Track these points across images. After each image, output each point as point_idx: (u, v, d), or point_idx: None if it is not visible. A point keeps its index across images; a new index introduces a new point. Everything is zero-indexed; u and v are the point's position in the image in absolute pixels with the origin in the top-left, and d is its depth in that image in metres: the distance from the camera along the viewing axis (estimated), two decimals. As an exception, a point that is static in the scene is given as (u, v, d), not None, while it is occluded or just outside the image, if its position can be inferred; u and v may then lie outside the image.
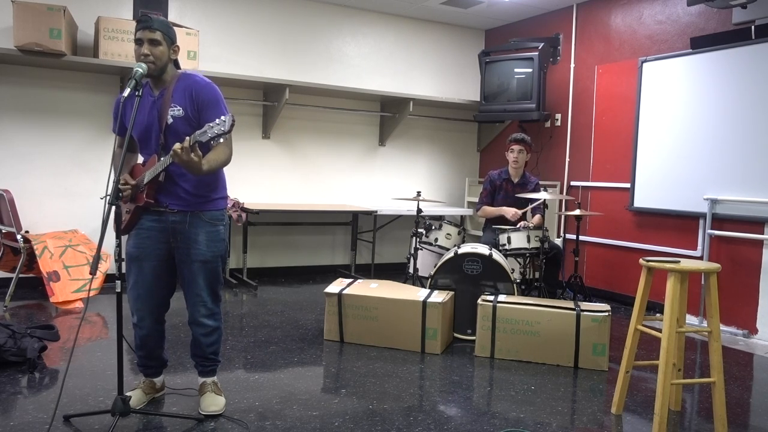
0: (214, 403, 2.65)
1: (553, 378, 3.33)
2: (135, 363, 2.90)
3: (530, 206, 4.67)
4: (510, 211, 4.69)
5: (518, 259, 4.68)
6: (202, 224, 2.59)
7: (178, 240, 2.58)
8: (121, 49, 4.76)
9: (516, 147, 4.77)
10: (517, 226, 4.50)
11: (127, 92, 2.37)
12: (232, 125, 2.25)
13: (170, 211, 2.56)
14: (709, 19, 4.69)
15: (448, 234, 4.64)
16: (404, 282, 4.47)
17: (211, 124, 2.26)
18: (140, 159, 2.69)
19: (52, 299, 4.30)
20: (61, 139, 5.06)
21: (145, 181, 2.51)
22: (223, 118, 2.25)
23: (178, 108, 2.52)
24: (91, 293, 3.80)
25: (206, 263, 2.60)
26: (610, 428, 2.72)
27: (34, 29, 4.40)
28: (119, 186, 2.45)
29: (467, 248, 4.10)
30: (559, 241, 5.67)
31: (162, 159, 2.45)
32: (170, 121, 2.52)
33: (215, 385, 2.76)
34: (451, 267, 4.01)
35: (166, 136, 2.52)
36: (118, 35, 4.75)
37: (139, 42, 2.47)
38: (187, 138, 2.32)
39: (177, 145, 2.29)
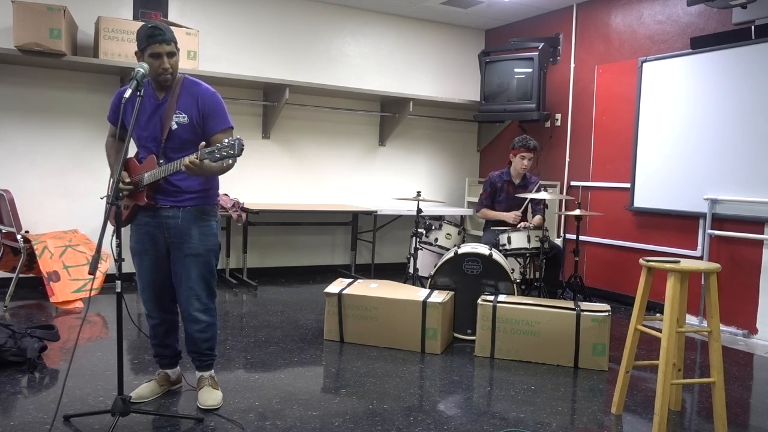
0: (211, 397, 2.71)
1: (553, 378, 3.33)
2: (151, 355, 2.93)
3: (528, 200, 4.67)
4: (510, 216, 4.69)
5: (518, 259, 4.68)
6: (195, 219, 2.65)
7: (172, 235, 2.64)
8: (121, 49, 4.75)
9: (527, 155, 4.72)
10: (518, 226, 4.52)
11: (128, 93, 2.39)
12: (241, 150, 2.30)
13: (163, 207, 2.62)
14: (709, 19, 4.69)
15: (448, 234, 4.65)
16: (404, 282, 4.47)
17: (219, 146, 2.31)
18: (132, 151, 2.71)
19: (52, 299, 4.31)
20: (61, 139, 5.05)
21: (145, 182, 2.57)
22: (232, 141, 2.29)
23: (184, 115, 2.58)
24: (92, 293, 3.81)
25: (198, 257, 2.65)
26: (610, 428, 2.72)
27: (34, 29, 4.40)
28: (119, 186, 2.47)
29: (467, 248, 4.10)
30: (559, 241, 5.67)
31: (165, 166, 2.50)
32: (174, 126, 2.58)
33: (212, 379, 2.81)
34: (451, 267, 4.01)
35: (168, 140, 2.58)
36: (118, 35, 4.75)
37: (156, 56, 2.49)
38: (197, 153, 2.38)
39: (188, 160, 2.36)
